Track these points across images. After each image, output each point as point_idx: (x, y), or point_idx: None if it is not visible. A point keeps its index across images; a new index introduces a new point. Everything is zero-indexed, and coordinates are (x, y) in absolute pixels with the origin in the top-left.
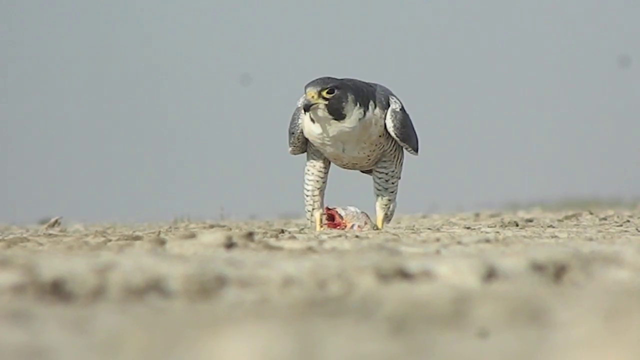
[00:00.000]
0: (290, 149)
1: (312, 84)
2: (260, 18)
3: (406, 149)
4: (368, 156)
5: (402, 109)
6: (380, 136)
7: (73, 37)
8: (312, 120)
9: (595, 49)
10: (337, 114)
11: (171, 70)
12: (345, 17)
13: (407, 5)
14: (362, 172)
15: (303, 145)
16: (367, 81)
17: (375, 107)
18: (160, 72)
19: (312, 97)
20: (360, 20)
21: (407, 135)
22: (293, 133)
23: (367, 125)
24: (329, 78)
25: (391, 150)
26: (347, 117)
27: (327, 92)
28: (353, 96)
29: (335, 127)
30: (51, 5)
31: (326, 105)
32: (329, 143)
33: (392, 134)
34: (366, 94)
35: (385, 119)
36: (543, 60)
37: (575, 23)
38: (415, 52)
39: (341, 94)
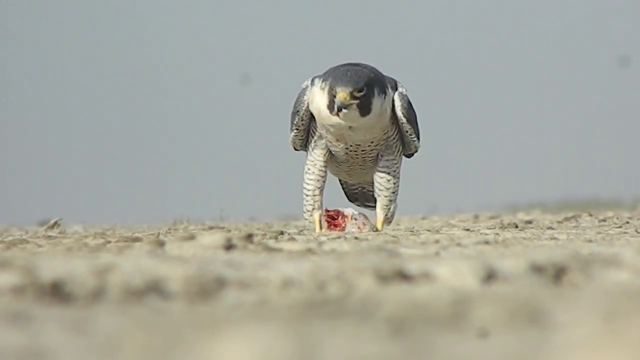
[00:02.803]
0: (292, 134)
1: (343, 83)
2: (260, 18)
3: (410, 135)
4: (371, 141)
5: (407, 95)
6: (389, 118)
7: (73, 37)
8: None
9: (595, 49)
10: (366, 110)
11: (171, 70)
12: (345, 17)
13: (407, 5)
14: (351, 198)
15: (305, 132)
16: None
17: (388, 92)
18: (159, 73)
19: (345, 98)
20: (360, 20)
21: (412, 118)
22: (297, 111)
23: (383, 112)
24: (357, 75)
25: (394, 138)
26: (372, 112)
27: (358, 91)
28: (377, 89)
29: (357, 121)
30: (51, 5)
31: (357, 105)
32: (341, 128)
33: (399, 113)
34: (383, 81)
35: (393, 99)
36: (543, 61)
37: (575, 23)
38: (414, 53)
39: (369, 91)
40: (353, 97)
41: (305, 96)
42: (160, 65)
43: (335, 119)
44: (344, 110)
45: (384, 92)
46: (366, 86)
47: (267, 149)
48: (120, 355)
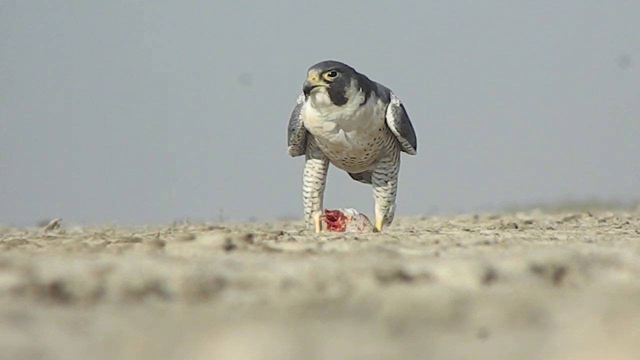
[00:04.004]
0: (289, 148)
1: (314, 66)
2: (260, 18)
3: (405, 145)
4: (366, 150)
5: (402, 105)
6: (380, 130)
7: (73, 37)
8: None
9: (595, 49)
10: (339, 97)
11: (170, 70)
12: (345, 17)
13: (407, 5)
14: (355, 177)
15: (302, 144)
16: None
17: (377, 97)
18: (159, 73)
19: (313, 79)
20: (360, 20)
21: (407, 131)
22: (293, 130)
23: (368, 113)
24: (331, 61)
25: (390, 147)
26: (348, 102)
27: (329, 75)
28: (356, 81)
29: (336, 112)
30: (51, 5)
31: (327, 88)
32: (329, 129)
33: (393, 128)
34: (368, 83)
35: (386, 112)
36: (542, 61)
37: (576, 23)
38: (414, 53)
39: (343, 77)
40: (322, 79)
41: (299, 115)
42: (160, 65)
43: (319, 118)
44: (313, 94)
45: (368, 92)
46: (339, 72)
47: (266, 149)
48: (120, 355)
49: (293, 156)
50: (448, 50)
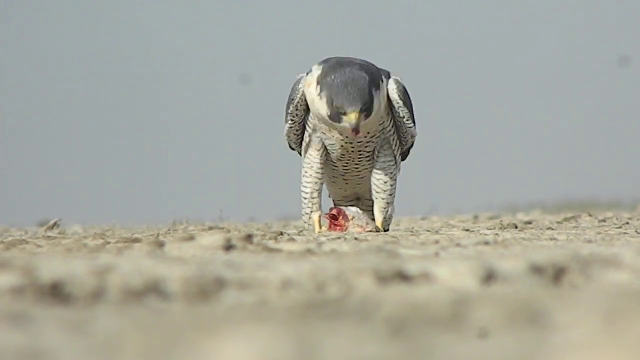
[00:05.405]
0: (287, 126)
1: (350, 102)
2: (260, 18)
3: (406, 121)
4: (367, 132)
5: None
6: (385, 107)
7: (72, 37)
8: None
9: (595, 49)
10: (369, 113)
11: (170, 70)
12: (345, 17)
13: (406, 6)
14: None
15: (300, 125)
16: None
17: (383, 82)
18: (159, 73)
19: (358, 118)
20: (359, 20)
21: (409, 103)
22: (293, 100)
23: (381, 104)
24: (357, 88)
25: (390, 130)
26: (374, 111)
27: (366, 106)
28: (375, 88)
29: (362, 126)
30: (50, 4)
31: (365, 115)
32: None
33: (395, 95)
34: (378, 75)
35: (388, 86)
36: (543, 61)
37: (576, 23)
38: (413, 53)
39: (371, 101)
40: (362, 111)
41: (300, 84)
42: (160, 65)
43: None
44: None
45: (379, 87)
46: (370, 95)
47: (266, 149)
48: (120, 356)
49: (289, 143)
50: (448, 50)
